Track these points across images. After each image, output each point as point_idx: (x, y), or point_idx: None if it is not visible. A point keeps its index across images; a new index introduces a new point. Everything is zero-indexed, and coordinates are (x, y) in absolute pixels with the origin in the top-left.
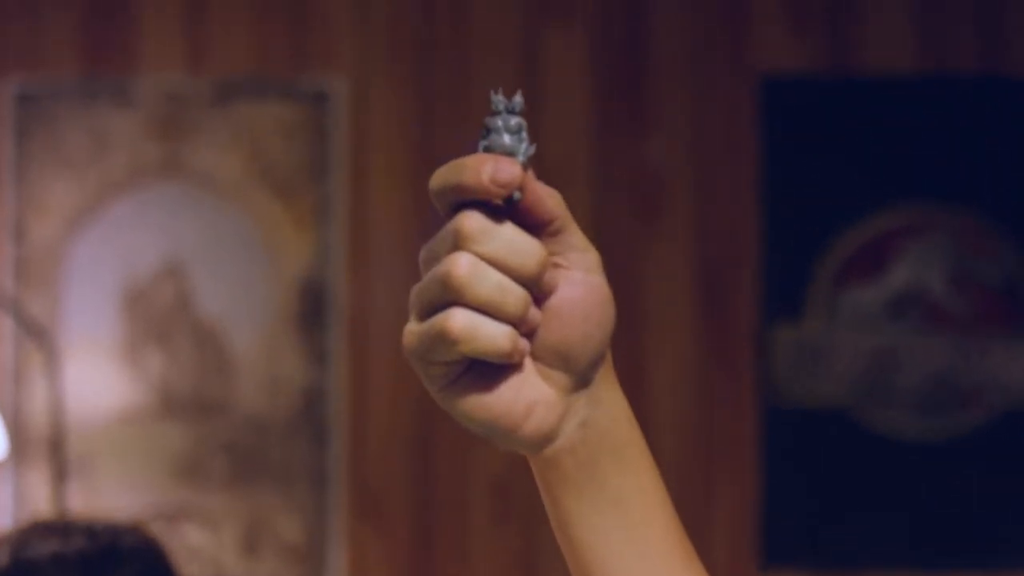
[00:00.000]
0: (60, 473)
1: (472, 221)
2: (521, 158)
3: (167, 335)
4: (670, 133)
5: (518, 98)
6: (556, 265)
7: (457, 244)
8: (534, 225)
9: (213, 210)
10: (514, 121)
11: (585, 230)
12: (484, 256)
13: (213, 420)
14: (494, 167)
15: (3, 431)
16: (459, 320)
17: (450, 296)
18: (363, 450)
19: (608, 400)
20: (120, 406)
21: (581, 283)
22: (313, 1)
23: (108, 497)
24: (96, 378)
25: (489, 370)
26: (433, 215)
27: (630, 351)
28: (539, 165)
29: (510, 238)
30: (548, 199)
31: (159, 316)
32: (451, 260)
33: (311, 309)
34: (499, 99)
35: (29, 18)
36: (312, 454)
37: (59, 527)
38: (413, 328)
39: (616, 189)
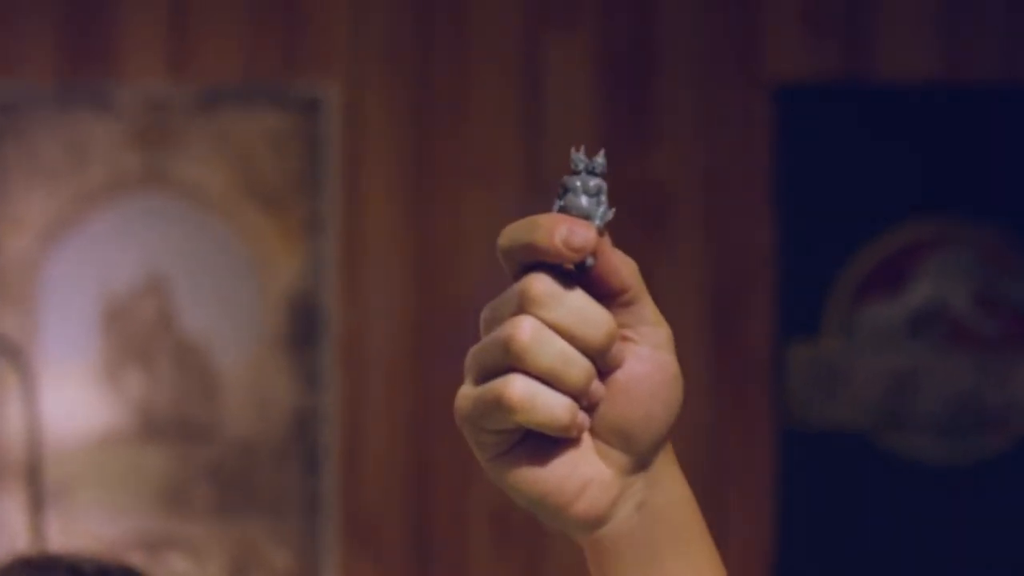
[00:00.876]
0: (38, 501)
1: (540, 284)
2: (598, 222)
3: (149, 355)
4: (679, 145)
5: (600, 159)
6: (624, 338)
7: (522, 307)
8: (605, 294)
9: (197, 223)
10: (594, 183)
11: None
12: (550, 323)
13: (198, 444)
14: (569, 230)
15: None
16: (518, 388)
17: (511, 361)
18: (357, 476)
19: (667, 481)
20: (99, 430)
21: (649, 359)
22: (304, 4)
23: (87, 525)
24: (74, 400)
25: (544, 443)
26: (430, 228)
27: None
28: (541, 179)
29: (579, 306)
30: (622, 268)
31: (140, 335)
32: (514, 323)
33: (302, 328)
34: (580, 157)
35: (3, 22)
36: (303, 480)
37: (42, 563)
38: (468, 392)
39: (622, 205)
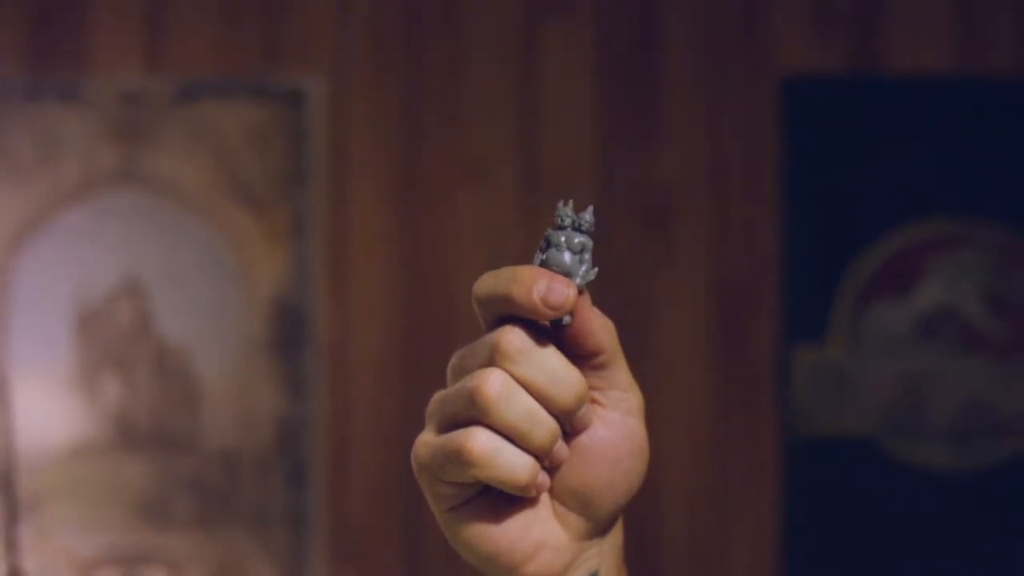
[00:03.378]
0: (12, 513)
1: (513, 338)
2: (579, 281)
3: (126, 361)
4: (682, 141)
5: (588, 216)
6: (594, 401)
7: (494, 360)
8: (579, 354)
9: (175, 222)
10: (578, 240)
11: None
12: (520, 378)
13: (177, 455)
14: (548, 286)
15: None
16: (481, 442)
17: (476, 414)
18: (344, 488)
19: (612, 546)
20: (74, 440)
21: (617, 425)
22: None
23: (61, 540)
24: (47, 409)
25: (501, 500)
26: (420, 229)
27: (641, 378)
28: (537, 177)
29: (551, 365)
30: (599, 330)
31: (116, 340)
32: (483, 376)
33: (286, 333)
34: (567, 212)
35: None
36: (288, 492)
37: None
38: (428, 440)
39: (623, 202)
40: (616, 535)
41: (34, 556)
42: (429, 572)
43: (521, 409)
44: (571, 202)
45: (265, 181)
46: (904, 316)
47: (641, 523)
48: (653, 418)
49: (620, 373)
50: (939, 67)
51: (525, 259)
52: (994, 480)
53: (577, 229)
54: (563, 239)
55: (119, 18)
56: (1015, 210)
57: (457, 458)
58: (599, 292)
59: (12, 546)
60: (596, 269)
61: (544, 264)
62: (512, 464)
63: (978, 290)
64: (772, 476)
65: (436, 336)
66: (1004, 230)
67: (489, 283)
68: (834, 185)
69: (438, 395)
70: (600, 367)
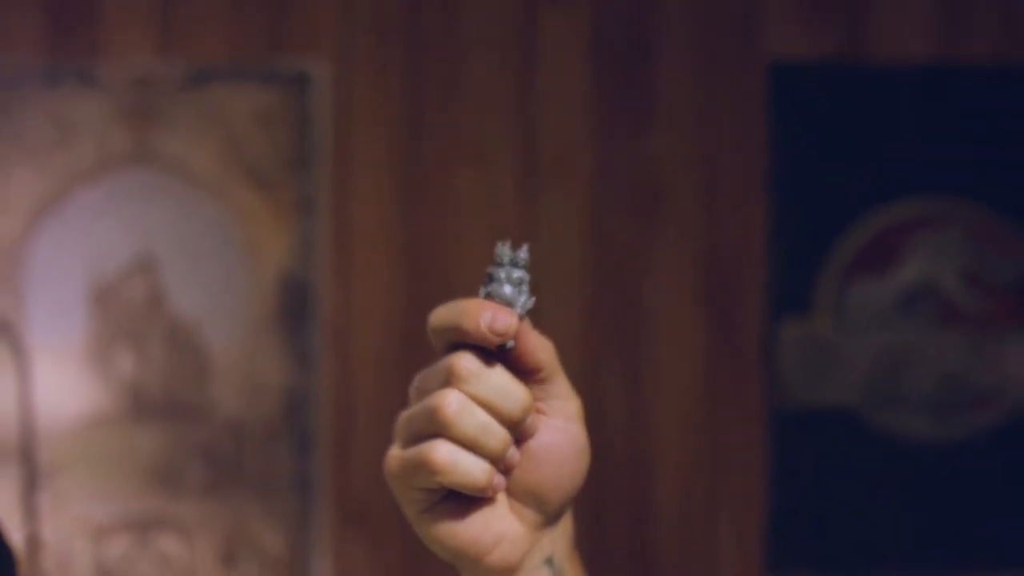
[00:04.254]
0: (31, 481)
1: (465, 362)
2: (519, 310)
3: (138, 335)
4: (674, 124)
5: (523, 253)
6: (539, 411)
7: (449, 382)
8: (523, 372)
9: (187, 201)
10: (516, 274)
11: (584, 229)
12: (472, 396)
13: (188, 425)
14: (492, 316)
15: None
16: (442, 453)
17: (436, 429)
18: (348, 456)
19: (563, 533)
20: (89, 410)
21: (560, 431)
22: None
23: (77, 507)
24: (63, 381)
25: (464, 501)
26: (421, 209)
27: (631, 353)
28: (535, 160)
29: (498, 383)
30: (539, 350)
31: (130, 315)
32: (441, 396)
33: (292, 307)
34: (505, 251)
35: None
36: (294, 460)
37: None
38: (397, 453)
39: (617, 182)
40: (566, 524)
41: (50, 523)
42: None
43: (475, 423)
44: (509, 241)
45: (272, 162)
46: (886, 292)
47: (635, 490)
48: (644, 388)
49: (560, 385)
50: (922, 54)
51: (523, 237)
52: (971, 449)
53: (515, 265)
54: (503, 275)
55: (132, 6)
56: (992, 191)
57: (423, 467)
58: (596, 274)
59: (32, 514)
60: (534, 299)
61: (488, 296)
62: (471, 470)
63: (956, 267)
64: (759, 445)
65: None
66: (982, 210)
67: (442, 315)
68: (820, 167)
69: (403, 414)
70: (542, 381)
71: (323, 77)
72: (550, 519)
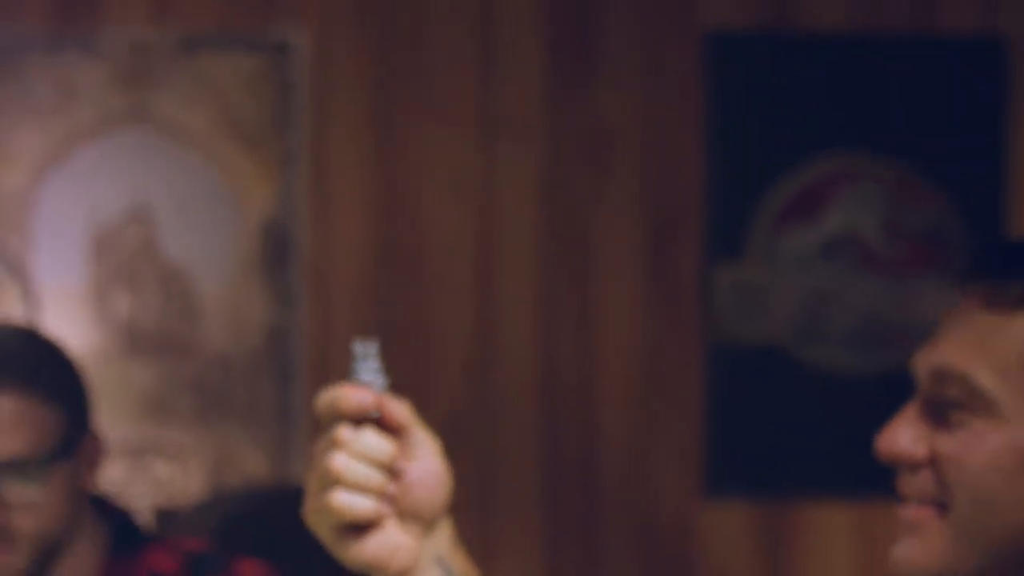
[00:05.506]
0: None
1: (344, 432)
2: (378, 390)
3: (135, 278)
4: (619, 88)
5: (373, 350)
6: (407, 454)
7: (334, 447)
8: (391, 430)
9: (179, 158)
10: (373, 364)
11: (539, 180)
12: (352, 455)
13: (179, 359)
14: (359, 398)
15: None
16: (338, 498)
17: (332, 481)
18: (325, 387)
19: (444, 535)
20: (89, 347)
21: (426, 467)
22: None
23: None
24: (66, 320)
25: (364, 527)
26: (391, 162)
27: (580, 292)
28: (493, 118)
29: (369, 442)
30: (398, 414)
31: (126, 260)
32: (330, 458)
33: (275, 253)
34: (361, 349)
35: None
36: (276, 391)
37: None
38: (309, 503)
39: (568, 140)
40: (445, 528)
41: None
42: None
43: (358, 473)
44: (362, 339)
45: (257, 122)
46: (812, 239)
47: (582, 418)
48: (591, 328)
49: (420, 433)
50: (841, 25)
51: (483, 188)
52: (888, 381)
53: (369, 358)
54: (362, 366)
55: None
56: (909, 149)
57: (327, 510)
58: (549, 220)
59: None
60: (389, 380)
61: (355, 381)
62: (361, 507)
63: (876, 218)
64: (696, 378)
65: (406, 256)
66: (899, 166)
67: (324, 402)
68: (751, 126)
69: (308, 473)
70: (406, 434)
71: (303, 45)
72: (430, 528)
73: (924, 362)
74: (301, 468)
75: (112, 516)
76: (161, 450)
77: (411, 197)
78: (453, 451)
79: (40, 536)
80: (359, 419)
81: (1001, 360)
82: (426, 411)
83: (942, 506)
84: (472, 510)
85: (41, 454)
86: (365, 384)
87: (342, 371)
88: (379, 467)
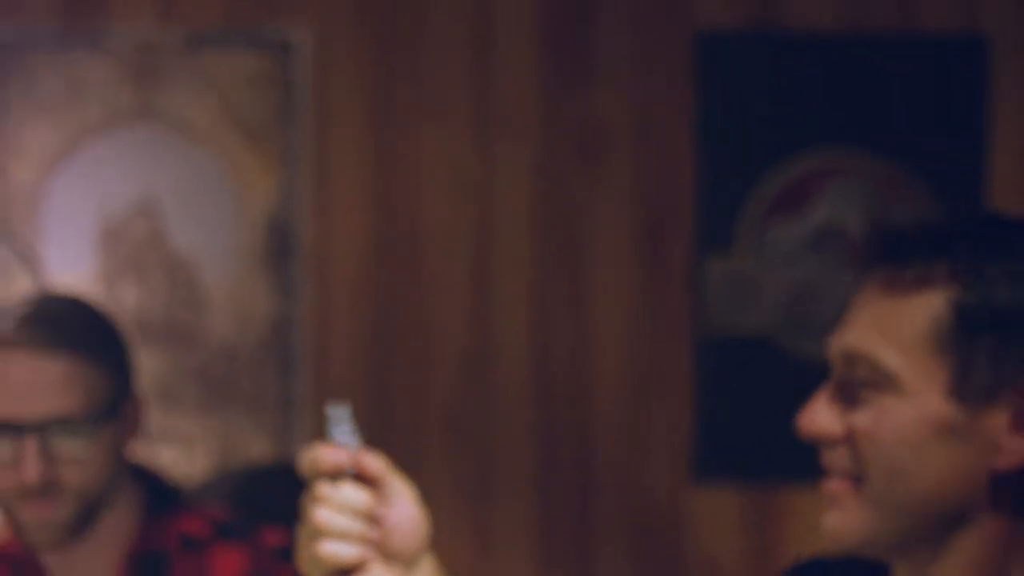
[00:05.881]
0: None
1: (323, 489)
2: (353, 449)
3: (142, 269)
4: (613, 84)
5: (345, 415)
6: (385, 501)
7: (317, 502)
8: (368, 483)
9: (184, 153)
10: (347, 427)
11: (534, 175)
12: (333, 508)
13: (185, 349)
14: (334, 458)
15: None
16: (324, 547)
17: (318, 533)
18: (326, 377)
19: (428, 567)
20: None
21: (403, 510)
22: None
23: None
24: None
25: (352, 570)
26: (390, 158)
27: (574, 284)
28: (489, 114)
29: (347, 496)
30: (373, 467)
31: (134, 252)
32: (314, 512)
33: (277, 246)
34: (334, 413)
35: None
36: (279, 380)
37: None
38: (301, 554)
39: (562, 134)
40: (427, 562)
41: None
42: (393, 440)
43: (340, 524)
44: (334, 403)
45: (261, 119)
46: (800, 232)
47: (576, 404)
48: (583, 319)
49: (396, 483)
50: (831, 24)
51: (480, 183)
52: None
53: (342, 422)
54: (336, 429)
55: None
56: (893, 145)
57: (318, 559)
58: (545, 213)
59: None
60: (362, 440)
61: (331, 441)
62: (347, 553)
63: (861, 211)
64: (687, 367)
65: (404, 249)
66: (884, 161)
67: (306, 462)
68: (740, 121)
69: (299, 528)
70: (383, 483)
71: (305, 44)
72: (413, 565)
73: (835, 346)
74: (302, 453)
75: (147, 480)
76: (167, 436)
77: (409, 192)
78: (450, 439)
79: (85, 490)
80: (336, 476)
81: (902, 340)
82: (424, 400)
83: (859, 479)
84: (469, 497)
85: (89, 414)
86: (340, 445)
87: (341, 360)
88: (359, 516)
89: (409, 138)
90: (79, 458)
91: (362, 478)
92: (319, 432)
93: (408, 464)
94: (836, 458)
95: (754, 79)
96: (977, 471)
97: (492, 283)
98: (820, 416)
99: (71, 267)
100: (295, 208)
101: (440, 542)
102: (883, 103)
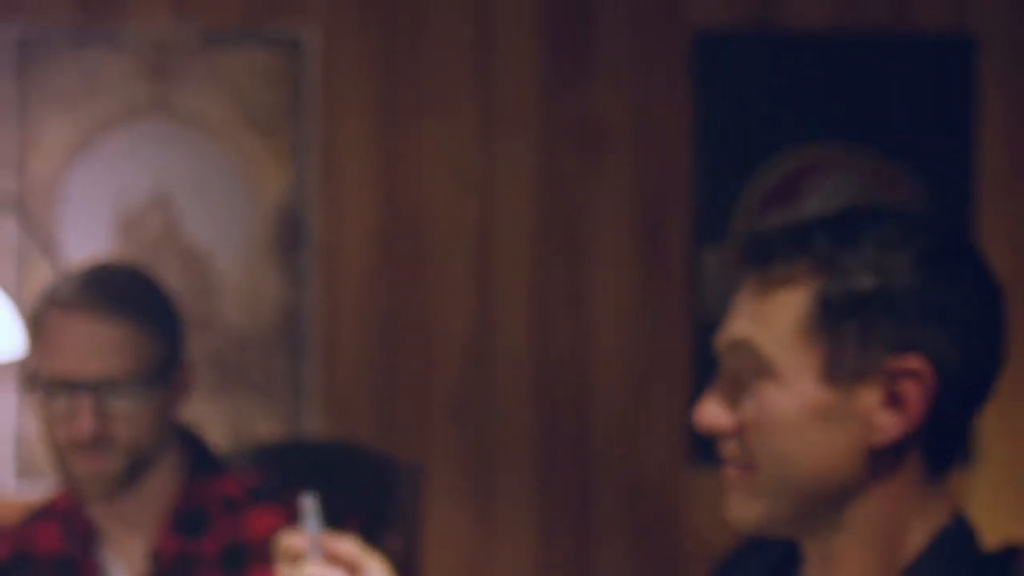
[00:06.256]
0: None
1: (284, 569)
2: (316, 533)
3: (157, 259)
4: (613, 82)
5: (313, 506)
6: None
7: None
8: (343, 562)
9: (198, 147)
10: (314, 520)
11: (535, 170)
12: None
13: (199, 335)
14: (295, 543)
15: (20, 329)
16: None
17: None
18: (334, 362)
19: None
20: None
21: None
22: None
23: None
24: None
25: None
26: (396, 151)
27: (576, 276)
28: (491, 109)
29: (312, 573)
30: (341, 551)
31: (149, 242)
32: None
33: (288, 236)
34: (303, 503)
35: None
36: (289, 366)
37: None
38: None
39: (563, 132)
40: None
41: None
42: (399, 425)
43: None
44: (304, 499)
45: (272, 113)
46: None
47: (577, 389)
48: (585, 308)
49: (367, 560)
50: (824, 24)
51: (482, 177)
52: None
53: (309, 514)
54: (307, 522)
55: None
56: (884, 140)
57: None
58: (545, 206)
59: None
60: (325, 528)
61: (304, 530)
62: None
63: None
64: (684, 354)
65: (409, 240)
66: (874, 156)
67: (280, 551)
68: (736, 117)
69: None
70: (356, 562)
71: (314, 42)
72: None
73: (721, 340)
74: (311, 435)
75: (192, 443)
76: (183, 419)
77: (414, 185)
78: (454, 425)
79: (134, 446)
80: (297, 558)
81: (776, 333)
82: (427, 386)
83: (750, 467)
84: (472, 482)
85: (140, 376)
86: (311, 532)
87: (349, 347)
88: None
89: (413, 133)
90: (129, 416)
91: (336, 560)
92: (327, 416)
93: (417, 435)
94: (729, 448)
95: (749, 76)
96: (857, 448)
97: (494, 273)
98: (711, 411)
99: (89, 256)
100: (305, 200)
101: (442, 518)
102: (876, 101)
